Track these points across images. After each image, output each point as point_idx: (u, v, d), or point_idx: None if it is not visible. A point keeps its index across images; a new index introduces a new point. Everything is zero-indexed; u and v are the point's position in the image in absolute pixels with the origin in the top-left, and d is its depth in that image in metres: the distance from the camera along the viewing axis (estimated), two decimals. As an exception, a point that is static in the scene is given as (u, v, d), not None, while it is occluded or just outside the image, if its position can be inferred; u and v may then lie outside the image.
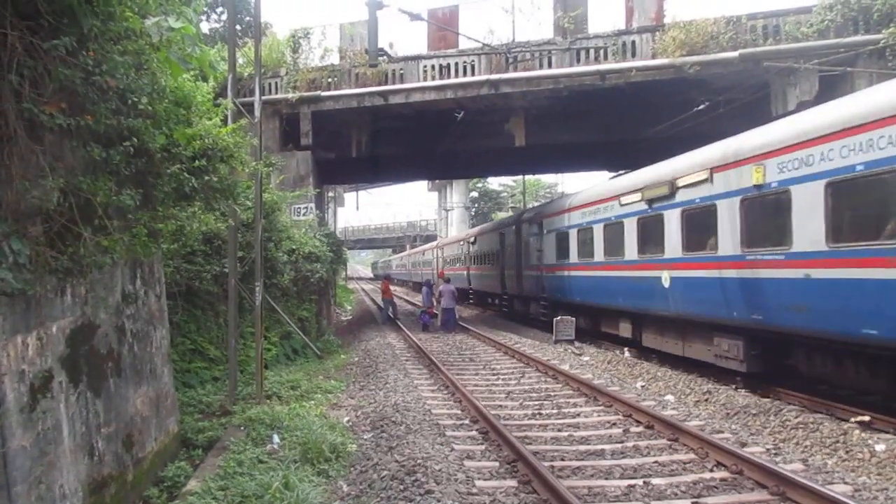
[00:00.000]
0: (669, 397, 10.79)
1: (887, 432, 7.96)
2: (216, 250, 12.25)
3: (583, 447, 7.76)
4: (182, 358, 10.94)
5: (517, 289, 23.94)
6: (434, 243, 55.42)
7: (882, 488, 6.18)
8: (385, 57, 18.22)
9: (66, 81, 4.51)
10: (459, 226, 61.36)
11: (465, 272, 35.72)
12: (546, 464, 6.84)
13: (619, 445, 7.78)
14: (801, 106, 14.28)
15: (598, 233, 15.91)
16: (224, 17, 25.43)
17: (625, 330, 15.24)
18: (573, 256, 17.57)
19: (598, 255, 15.91)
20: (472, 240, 34.00)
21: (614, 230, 15.02)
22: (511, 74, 18.21)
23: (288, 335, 15.48)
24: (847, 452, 7.51)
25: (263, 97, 12.49)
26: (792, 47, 15.58)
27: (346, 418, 9.82)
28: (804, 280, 9.04)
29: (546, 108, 19.75)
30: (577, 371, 12.95)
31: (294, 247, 16.21)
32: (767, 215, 10.00)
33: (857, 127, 8.12)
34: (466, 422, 9.18)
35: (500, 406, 10.20)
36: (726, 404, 9.98)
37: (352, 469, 7.30)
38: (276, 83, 19.75)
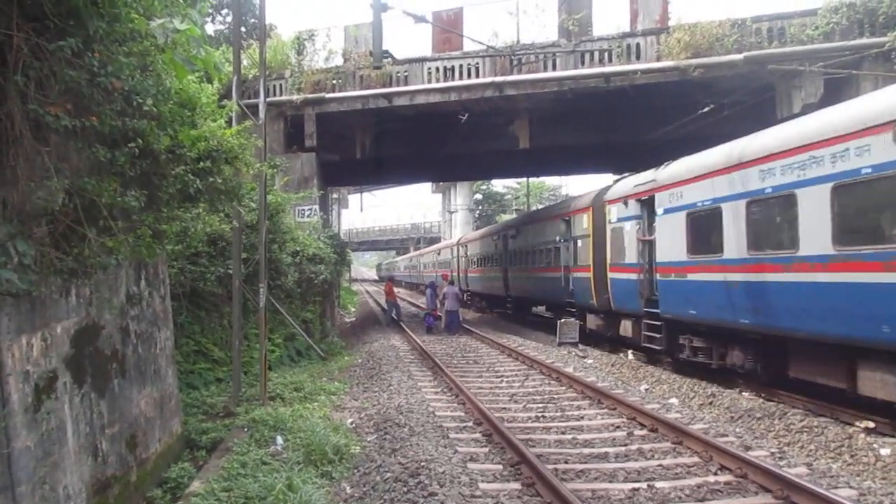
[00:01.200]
0: (674, 400, 10.76)
1: (893, 436, 7.93)
2: (220, 252, 12.28)
3: (586, 450, 7.75)
4: (186, 359, 10.97)
5: (597, 299, 16.51)
6: (452, 240, 46.84)
7: (887, 493, 6.14)
8: (389, 59, 18.23)
9: (71, 83, 4.52)
10: (463, 227, 61.18)
11: (500, 275, 27.76)
12: (550, 466, 6.83)
13: (623, 448, 7.76)
14: (806, 109, 14.27)
15: (815, 203, 8.94)
16: (229, 18, 25.54)
17: (877, 385, 8.12)
18: (732, 249, 10.78)
19: (811, 244, 9.05)
20: (511, 232, 26.41)
21: (871, 193, 8.26)
22: (515, 77, 18.21)
23: (292, 337, 15.50)
24: (852, 456, 7.48)
25: (268, 99, 12.52)
26: (797, 50, 15.56)
27: (350, 420, 9.83)
28: None
29: (550, 110, 19.76)
30: (580, 374, 12.92)
31: (298, 248, 16.24)
32: None
33: None
34: (470, 424, 9.17)
35: (504, 408, 10.18)
36: (731, 407, 9.96)
37: (355, 471, 7.30)
38: (281, 85, 19.80)
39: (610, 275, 15.71)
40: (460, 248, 39.11)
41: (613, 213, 15.70)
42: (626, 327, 15.26)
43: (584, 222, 17.68)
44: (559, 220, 19.94)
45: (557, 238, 19.82)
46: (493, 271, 29.49)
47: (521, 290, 25.20)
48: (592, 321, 17.35)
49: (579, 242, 18.05)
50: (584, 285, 17.46)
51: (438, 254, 49.98)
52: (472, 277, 35.25)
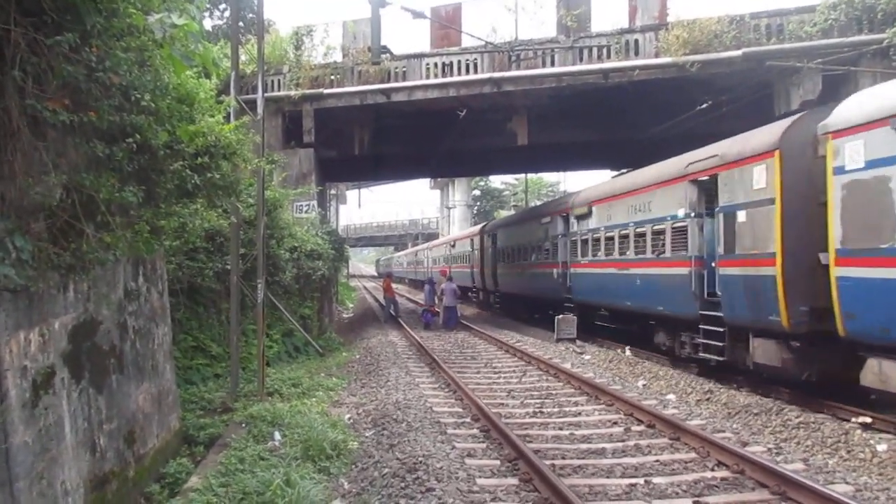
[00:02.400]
0: (671, 396, 10.79)
1: (889, 432, 7.96)
2: (218, 247, 12.27)
3: (584, 446, 7.77)
4: (184, 355, 10.96)
5: (787, 312, 9.75)
6: (473, 229, 39.25)
7: (883, 488, 6.17)
8: (388, 55, 18.21)
9: (69, 78, 4.51)
10: (461, 224, 61.25)
11: (556, 271, 19.86)
12: (547, 462, 6.85)
13: (621, 444, 7.78)
14: (804, 105, 14.26)
15: None
16: (227, 13, 25.46)
17: None
18: None
19: None
20: (578, 212, 18.22)
21: None
22: (514, 73, 18.19)
23: (290, 333, 15.50)
24: (848, 452, 7.51)
25: (266, 94, 12.50)
26: (795, 46, 15.55)
27: (348, 416, 9.84)
28: None
29: (548, 106, 19.74)
30: (578, 370, 12.95)
31: (296, 244, 16.22)
32: None
33: None
34: (468, 420, 9.18)
35: (502, 404, 10.20)
36: (728, 404, 9.98)
37: (353, 466, 7.31)
38: (279, 80, 19.75)
39: (839, 271, 8.65)
40: (485, 237, 30.81)
41: (854, 152, 8.61)
42: (885, 373, 8.02)
43: (761, 179, 10.57)
44: (685, 183, 12.64)
45: (681, 213, 12.81)
46: (543, 266, 21.60)
47: (598, 293, 17.16)
48: (768, 350, 10.26)
49: (741, 216, 10.94)
50: (755, 287, 10.44)
51: (453, 246, 41.01)
52: (506, 275, 27.28)
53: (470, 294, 36.61)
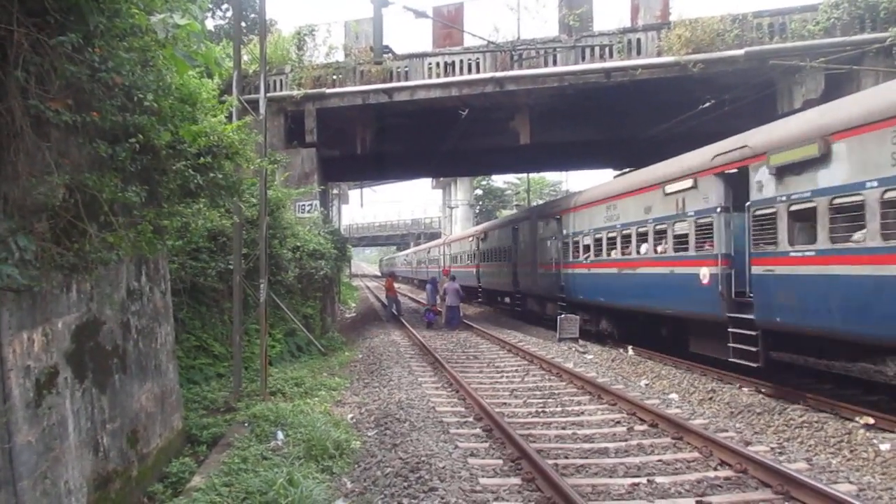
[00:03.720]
0: (674, 396, 10.78)
1: (892, 432, 7.95)
2: (221, 247, 12.29)
3: (587, 445, 7.76)
4: (187, 354, 10.98)
5: None
6: (516, 214, 31.04)
7: (887, 488, 6.16)
8: (390, 54, 18.22)
9: (72, 78, 4.52)
10: (464, 223, 61.19)
11: (703, 270, 11.74)
12: (550, 461, 6.84)
13: (623, 444, 7.77)
14: (807, 104, 14.24)
15: None
16: (229, 13, 25.49)
17: None
18: None
19: None
20: (810, 150, 8.83)
21: None
22: (516, 72, 18.19)
23: (292, 332, 15.51)
24: (852, 452, 7.50)
25: (268, 94, 12.52)
26: (798, 45, 15.53)
27: (350, 415, 9.84)
28: None
29: (551, 105, 19.73)
30: (581, 369, 12.94)
31: (298, 244, 16.24)
32: None
33: None
34: (470, 419, 9.18)
35: (504, 404, 10.20)
36: (731, 403, 9.98)
37: (356, 466, 7.32)
38: (282, 80, 19.77)
39: None
40: (541, 225, 21.95)
41: None
42: None
43: None
44: None
45: None
46: (671, 264, 13.12)
47: (827, 312, 8.81)
48: None
49: None
50: None
51: (483, 238, 31.41)
52: (582, 279, 18.01)
53: (507, 300, 28.62)
